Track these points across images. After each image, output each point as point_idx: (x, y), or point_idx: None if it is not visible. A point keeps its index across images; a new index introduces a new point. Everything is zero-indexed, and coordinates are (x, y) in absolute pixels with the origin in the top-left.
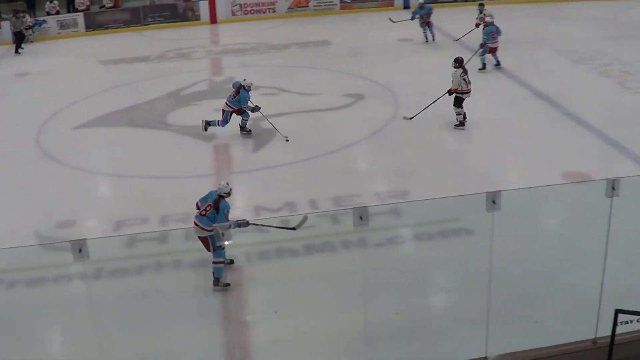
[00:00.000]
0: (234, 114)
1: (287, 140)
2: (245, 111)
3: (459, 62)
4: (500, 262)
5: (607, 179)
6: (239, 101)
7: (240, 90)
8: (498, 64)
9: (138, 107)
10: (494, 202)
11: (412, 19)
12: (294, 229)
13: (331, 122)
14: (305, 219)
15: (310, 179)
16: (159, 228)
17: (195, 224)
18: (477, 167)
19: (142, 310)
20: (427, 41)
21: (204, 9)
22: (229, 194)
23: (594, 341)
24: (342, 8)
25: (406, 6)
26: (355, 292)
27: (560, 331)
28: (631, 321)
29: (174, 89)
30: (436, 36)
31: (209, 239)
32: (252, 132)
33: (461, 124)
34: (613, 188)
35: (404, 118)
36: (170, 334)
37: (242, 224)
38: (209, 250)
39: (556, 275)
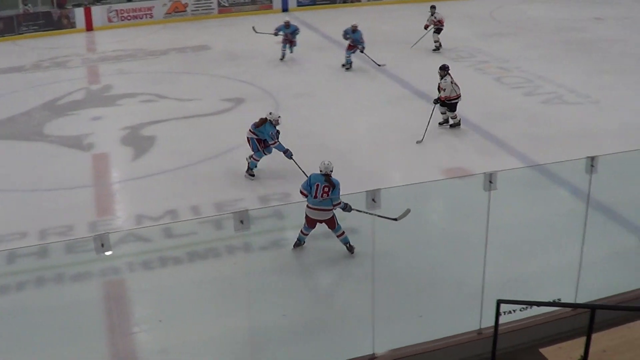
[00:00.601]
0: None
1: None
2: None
3: (446, 70)
4: (383, 259)
5: (484, 173)
6: (261, 132)
7: (266, 125)
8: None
9: (14, 119)
10: (374, 200)
11: (276, 34)
12: (395, 219)
13: (211, 127)
14: (408, 211)
15: (191, 186)
16: (38, 242)
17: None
18: (361, 167)
19: (25, 326)
20: (282, 59)
21: (79, 16)
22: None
23: (479, 332)
24: (220, 12)
25: (284, 9)
26: (241, 297)
27: (446, 324)
28: (514, 310)
29: (50, 98)
30: (317, 37)
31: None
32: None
33: (458, 124)
34: (490, 182)
35: (417, 142)
36: (55, 349)
37: (348, 208)
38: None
39: (439, 269)
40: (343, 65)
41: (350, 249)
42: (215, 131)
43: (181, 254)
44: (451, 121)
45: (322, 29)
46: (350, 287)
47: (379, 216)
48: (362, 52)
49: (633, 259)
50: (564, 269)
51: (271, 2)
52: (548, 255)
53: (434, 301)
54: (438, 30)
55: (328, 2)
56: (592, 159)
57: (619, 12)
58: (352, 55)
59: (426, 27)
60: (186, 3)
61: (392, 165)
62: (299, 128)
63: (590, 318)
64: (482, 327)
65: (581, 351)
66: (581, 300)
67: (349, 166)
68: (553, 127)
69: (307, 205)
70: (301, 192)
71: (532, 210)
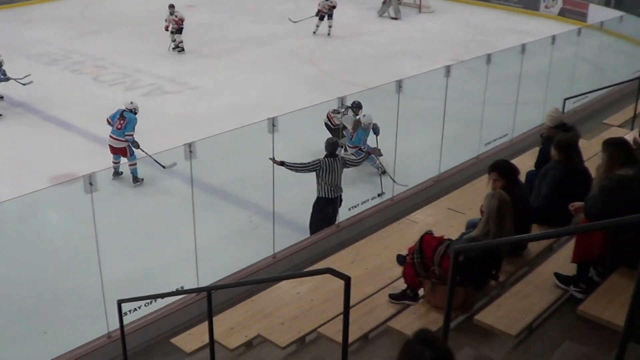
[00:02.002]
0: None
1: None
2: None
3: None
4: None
5: (83, 175)
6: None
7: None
8: None
9: None
10: None
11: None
12: (164, 167)
13: None
14: (174, 164)
15: None
16: None
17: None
18: None
19: None
20: None
21: None
22: None
23: (109, 335)
24: None
25: None
26: None
27: (75, 334)
28: (139, 307)
29: None
30: None
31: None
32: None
33: None
34: (91, 184)
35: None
36: None
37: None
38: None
39: (59, 281)
40: None
41: (135, 179)
42: None
43: None
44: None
45: None
46: None
47: (154, 159)
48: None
49: (247, 235)
50: (184, 257)
51: None
52: (166, 245)
53: (58, 314)
54: (180, 30)
55: None
56: (190, 145)
57: None
58: None
59: (166, 29)
60: None
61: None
62: None
63: (208, 300)
64: (111, 330)
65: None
66: (204, 283)
67: None
68: (157, 118)
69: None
70: (107, 120)
71: (145, 205)
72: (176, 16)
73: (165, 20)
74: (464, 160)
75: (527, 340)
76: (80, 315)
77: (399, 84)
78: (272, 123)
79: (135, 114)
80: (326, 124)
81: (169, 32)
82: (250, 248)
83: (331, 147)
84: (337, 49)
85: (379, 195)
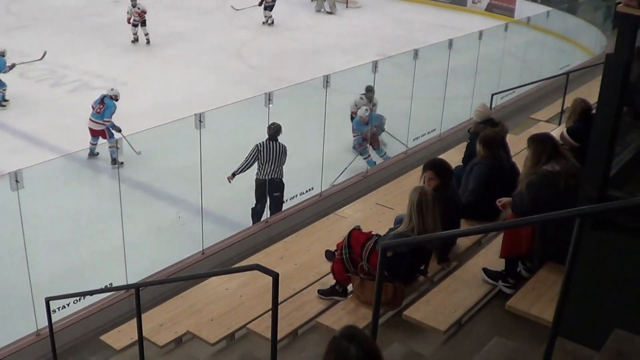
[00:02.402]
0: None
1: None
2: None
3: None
4: None
5: (9, 172)
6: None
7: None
8: None
9: None
10: None
11: None
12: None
13: None
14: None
15: None
16: None
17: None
18: None
19: None
20: None
21: None
22: None
23: (37, 333)
24: None
25: None
26: None
27: (2, 333)
28: (67, 305)
29: None
30: None
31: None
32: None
33: None
34: (17, 181)
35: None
36: None
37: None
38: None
39: None
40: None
41: (114, 162)
42: None
43: None
44: None
45: None
46: None
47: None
48: None
49: (176, 231)
50: (112, 254)
51: None
52: (95, 242)
53: None
54: (144, 22)
55: None
56: (117, 141)
57: None
58: None
59: (128, 21)
60: None
61: None
62: None
63: (137, 297)
64: (40, 327)
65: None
66: (133, 280)
67: None
68: (85, 115)
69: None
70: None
71: (73, 201)
72: (138, 8)
73: (127, 13)
74: (392, 155)
75: (456, 335)
76: (7, 313)
77: (327, 79)
78: (199, 119)
79: (117, 100)
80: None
81: (130, 25)
82: (178, 244)
83: (271, 131)
84: (265, 45)
85: (307, 191)
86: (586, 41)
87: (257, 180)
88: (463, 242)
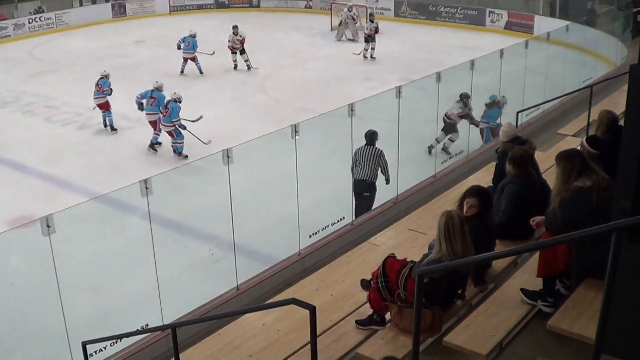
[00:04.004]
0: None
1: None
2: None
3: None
4: None
5: (40, 218)
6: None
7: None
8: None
9: None
10: None
11: None
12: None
13: None
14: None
15: None
16: None
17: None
18: None
19: None
20: None
21: None
22: None
23: None
24: None
25: None
26: None
27: None
28: (104, 348)
29: None
30: None
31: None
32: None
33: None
34: (48, 225)
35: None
36: None
37: None
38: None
39: (23, 324)
40: None
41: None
42: None
43: None
44: None
45: None
46: None
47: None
48: None
49: (209, 268)
50: (146, 295)
51: None
52: (129, 283)
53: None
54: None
55: None
56: (145, 181)
57: (156, 32)
58: None
59: (230, 48)
60: None
61: None
62: None
63: (173, 337)
64: None
65: None
66: (168, 320)
67: None
68: (110, 156)
69: None
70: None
71: (104, 243)
72: (240, 36)
73: (229, 41)
74: (421, 180)
75: (498, 358)
76: (45, 358)
77: (351, 108)
78: (227, 154)
79: (180, 102)
80: (444, 119)
81: (230, 53)
82: (212, 281)
83: (368, 137)
84: (288, 76)
85: (338, 221)
86: (606, 52)
87: (353, 180)
88: (499, 264)
